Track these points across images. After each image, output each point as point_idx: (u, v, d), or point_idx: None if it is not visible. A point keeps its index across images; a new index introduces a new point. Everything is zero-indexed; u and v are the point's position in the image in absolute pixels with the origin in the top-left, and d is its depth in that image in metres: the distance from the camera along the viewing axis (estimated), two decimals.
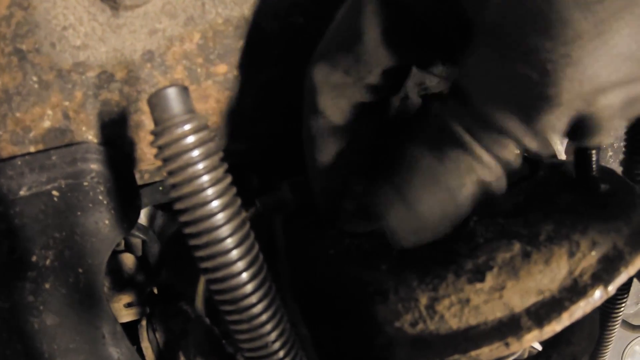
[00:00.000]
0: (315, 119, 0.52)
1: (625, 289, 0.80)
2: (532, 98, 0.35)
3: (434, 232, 0.43)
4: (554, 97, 0.34)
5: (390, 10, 0.45)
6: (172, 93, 0.37)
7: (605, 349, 0.81)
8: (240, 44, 0.58)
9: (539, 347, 0.70)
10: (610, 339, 0.81)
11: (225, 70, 0.59)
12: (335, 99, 0.50)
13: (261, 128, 0.66)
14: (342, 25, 0.49)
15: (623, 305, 0.80)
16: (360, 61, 0.47)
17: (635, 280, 0.75)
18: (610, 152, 0.95)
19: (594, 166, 0.54)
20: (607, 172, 0.58)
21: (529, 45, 0.34)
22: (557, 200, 0.52)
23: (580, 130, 0.37)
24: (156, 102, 0.37)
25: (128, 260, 0.88)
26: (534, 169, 0.59)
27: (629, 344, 1.48)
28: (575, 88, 0.33)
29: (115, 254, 0.87)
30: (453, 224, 0.42)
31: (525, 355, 0.69)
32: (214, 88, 0.60)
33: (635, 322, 1.23)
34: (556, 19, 0.32)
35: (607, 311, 0.80)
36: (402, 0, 0.44)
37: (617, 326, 0.81)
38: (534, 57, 0.34)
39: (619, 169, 0.70)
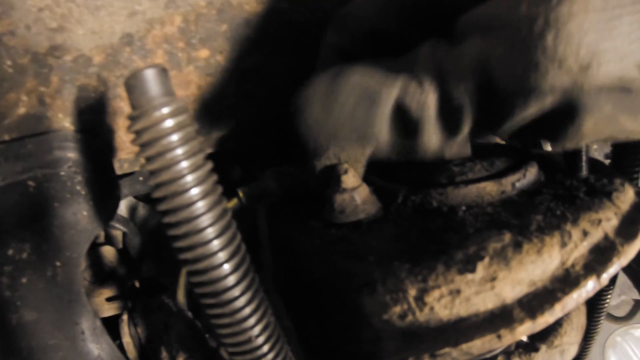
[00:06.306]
0: None
1: (611, 280, 0.80)
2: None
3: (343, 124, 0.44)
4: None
5: None
6: (150, 75, 0.35)
7: (591, 340, 0.82)
8: (223, 28, 0.57)
9: (525, 338, 0.70)
10: (597, 330, 0.81)
11: (208, 55, 0.58)
12: None
13: (243, 115, 0.64)
14: None
15: (609, 296, 0.80)
16: None
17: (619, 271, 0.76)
18: (595, 145, 0.96)
19: (583, 157, 0.54)
20: (595, 163, 0.58)
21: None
22: (546, 190, 0.51)
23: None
24: (133, 84, 0.35)
25: (109, 253, 0.86)
26: (522, 160, 0.58)
27: (610, 335, 1.50)
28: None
29: (95, 246, 0.85)
30: (362, 129, 0.43)
31: (513, 348, 0.69)
32: (196, 74, 0.58)
33: (618, 314, 1.24)
34: None
35: (593, 303, 0.80)
36: None
37: (603, 317, 0.81)
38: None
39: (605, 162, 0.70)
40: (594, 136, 0.39)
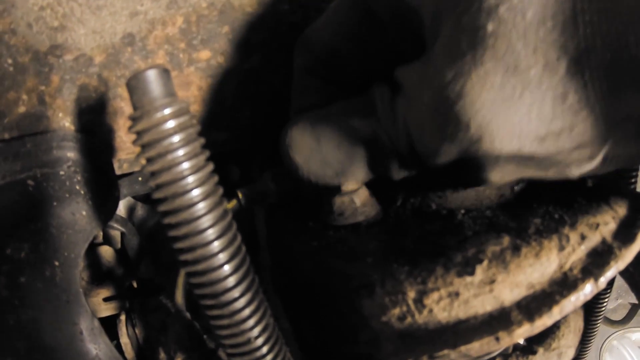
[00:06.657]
0: None
1: (609, 284, 0.80)
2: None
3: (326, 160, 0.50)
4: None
5: None
6: (152, 75, 0.35)
7: (589, 343, 0.82)
8: (224, 29, 0.57)
9: (521, 341, 0.70)
10: (594, 333, 0.81)
11: (209, 56, 0.58)
12: None
13: (243, 117, 0.64)
14: None
15: (607, 300, 0.80)
16: None
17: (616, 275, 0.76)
18: None
19: None
20: None
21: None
22: (544, 193, 0.51)
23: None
24: (135, 85, 0.35)
25: (107, 253, 0.86)
26: None
27: (607, 339, 1.50)
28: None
29: (93, 246, 0.85)
30: (345, 160, 0.49)
31: (510, 350, 0.69)
32: (197, 75, 0.58)
33: (614, 318, 1.24)
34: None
35: (591, 306, 0.80)
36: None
37: (600, 321, 0.81)
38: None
39: None
40: (507, 181, 0.42)
